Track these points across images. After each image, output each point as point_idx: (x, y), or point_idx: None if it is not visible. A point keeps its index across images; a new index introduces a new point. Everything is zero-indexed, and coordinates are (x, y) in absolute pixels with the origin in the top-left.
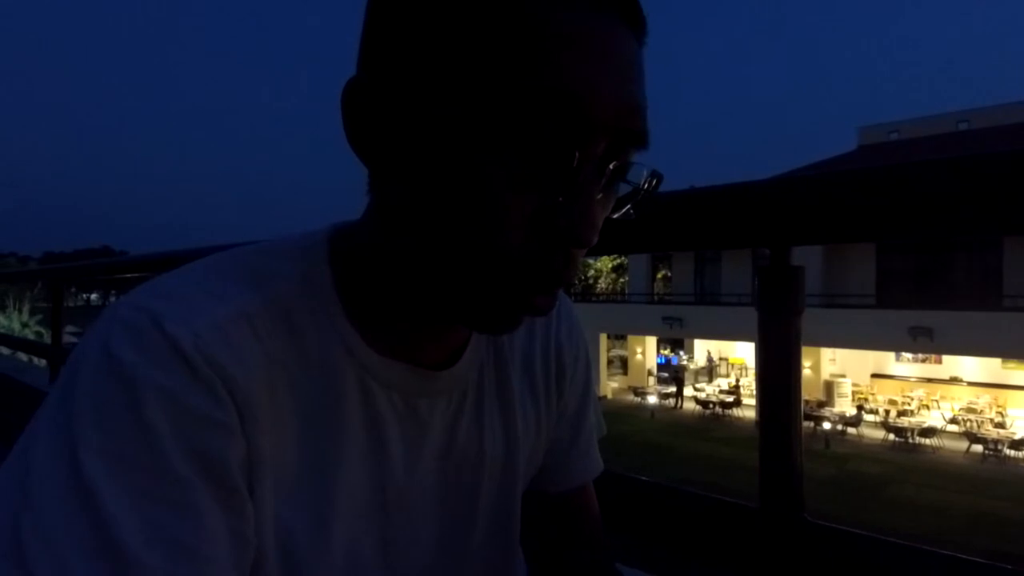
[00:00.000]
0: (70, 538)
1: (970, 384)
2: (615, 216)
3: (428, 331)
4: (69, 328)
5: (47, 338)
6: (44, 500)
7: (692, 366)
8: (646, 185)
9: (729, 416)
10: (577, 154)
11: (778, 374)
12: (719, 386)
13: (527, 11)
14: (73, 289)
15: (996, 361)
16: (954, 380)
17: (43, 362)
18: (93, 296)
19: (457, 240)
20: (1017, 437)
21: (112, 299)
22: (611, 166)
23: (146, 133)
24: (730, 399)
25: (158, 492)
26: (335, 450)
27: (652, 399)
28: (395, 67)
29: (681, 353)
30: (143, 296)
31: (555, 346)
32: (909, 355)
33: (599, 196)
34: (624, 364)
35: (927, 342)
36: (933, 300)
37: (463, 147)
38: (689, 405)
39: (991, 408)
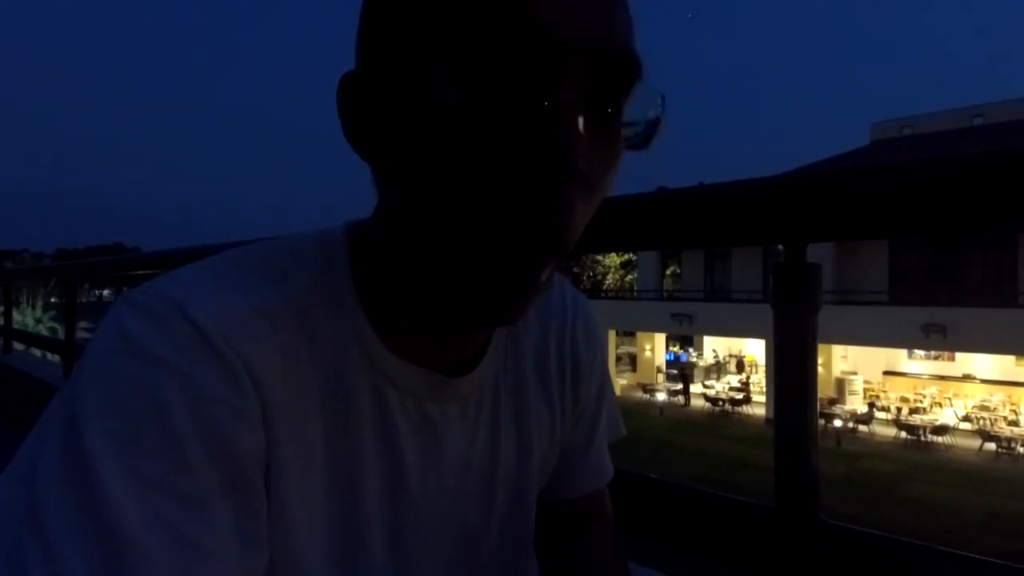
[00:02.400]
0: (62, 516)
1: (983, 381)
2: (627, 148)
3: (444, 335)
4: (82, 324)
5: (60, 334)
6: (44, 479)
7: (701, 363)
8: (654, 115)
9: (739, 413)
10: (554, 86)
11: (794, 374)
12: (728, 383)
13: None
14: (86, 285)
15: (1010, 358)
16: (967, 377)
17: (57, 358)
18: (105, 292)
19: (444, 214)
20: None
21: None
22: (609, 110)
23: (159, 131)
24: (739, 396)
25: (167, 478)
26: (349, 456)
27: (661, 396)
28: (388, 57)
29: (690, 350)
30: (160, 285)
31: (571, 349)
32: (921, 352)
33: (592, 128)
34: (633, 361)
35: (940, 339)
36: (947, 297)
37: (454, 123)
38: (699, 402)
39: (1004, 406)
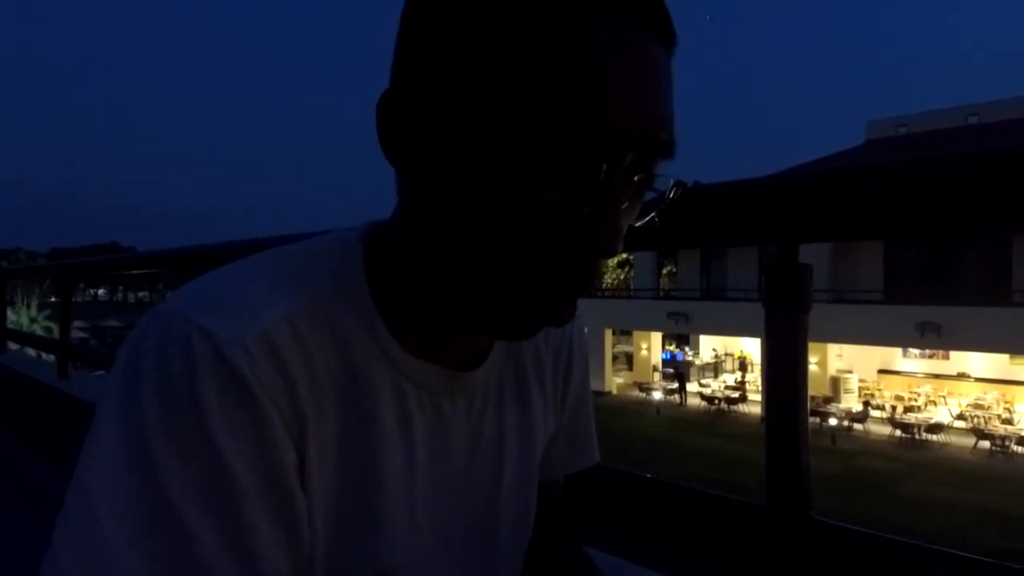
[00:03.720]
0: (135, 542)
1: (978, 380)
2: (638, 224)
3: (455, 335)
4: (78, 323)
5: (55, 333)
6: (121, 522)
7: (698, 362)
8: (672, 194)
9: (735, 412)
10: (605, 166)
11: (785, 373)
12: (724, 382)
13: (559, 23)
14: (81, 285)
15: (1004, 357)
16: (962, 376)
17: (52, 357)
18: (100, 291)
19: (485, 245)
20: None
21: (120, 295)
22: (636, 178)
23: (155, 129)
24: (735, 395)
25: (230, 509)
26: (374, 454)
27: (657, 395)
28: (428, 79)
29: (687, 349)
30: (190, 305)
31: (567, 347)
32: (916, 351)
33: (624, 205)
34: (629, 360)
35: (935, 338)
36: (941, 295)
37: (495, 157)
38: (695, 401)
39: (999, 404)
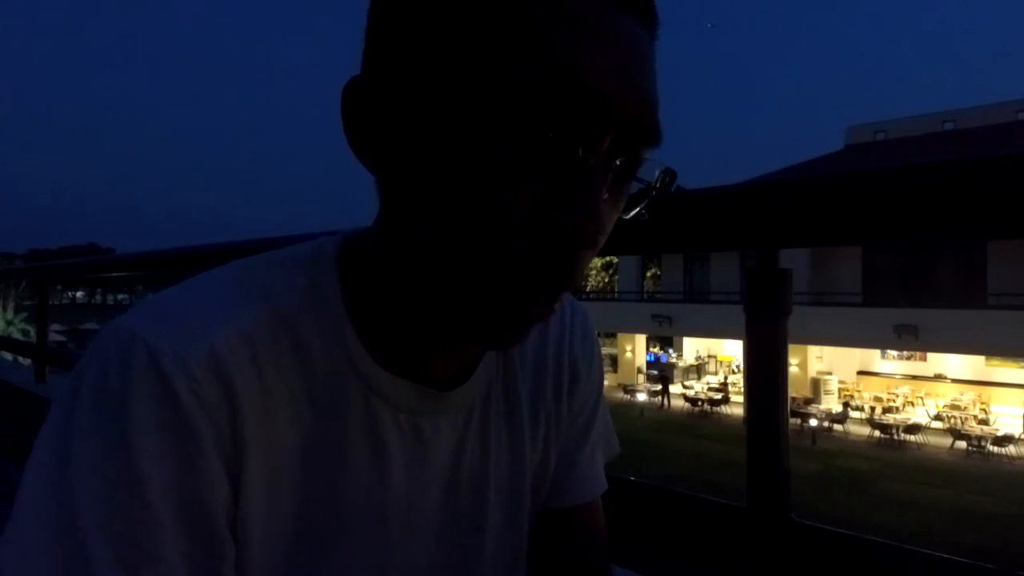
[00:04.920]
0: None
1: (954, 381)
2: (627, 216)
3: (438, 347)
4: (55, 326)
5: (33, 335)
6: (26, 529)
7: (681, 364)
8: (659, 183)
9: (717, 413)
10: (580, 147)
11: (765, 376)
12: (708, 383)
13: None
14: (59, 287)
15: (980, 358)
16: (939, 377)
17: (28, 361)
18: (79, 294)
19: (456, 238)
20: (1000, 433)
21: (99, 297)
22: (617, 162)
23: (133, 129)
24: (718, 396)
25: (138, 537)
26: (336, 473)
27: (641, 396)
28: (395, 64)
29: (670, 351)
30: (141, 319)
31: (568, 358)
32: (895, 353)
33: (606, 195)
34: (614, 362)
35: (912, 340)
36: (918, 298)
37: (463, 144)
38: (679, 402)
39: (975, 405)
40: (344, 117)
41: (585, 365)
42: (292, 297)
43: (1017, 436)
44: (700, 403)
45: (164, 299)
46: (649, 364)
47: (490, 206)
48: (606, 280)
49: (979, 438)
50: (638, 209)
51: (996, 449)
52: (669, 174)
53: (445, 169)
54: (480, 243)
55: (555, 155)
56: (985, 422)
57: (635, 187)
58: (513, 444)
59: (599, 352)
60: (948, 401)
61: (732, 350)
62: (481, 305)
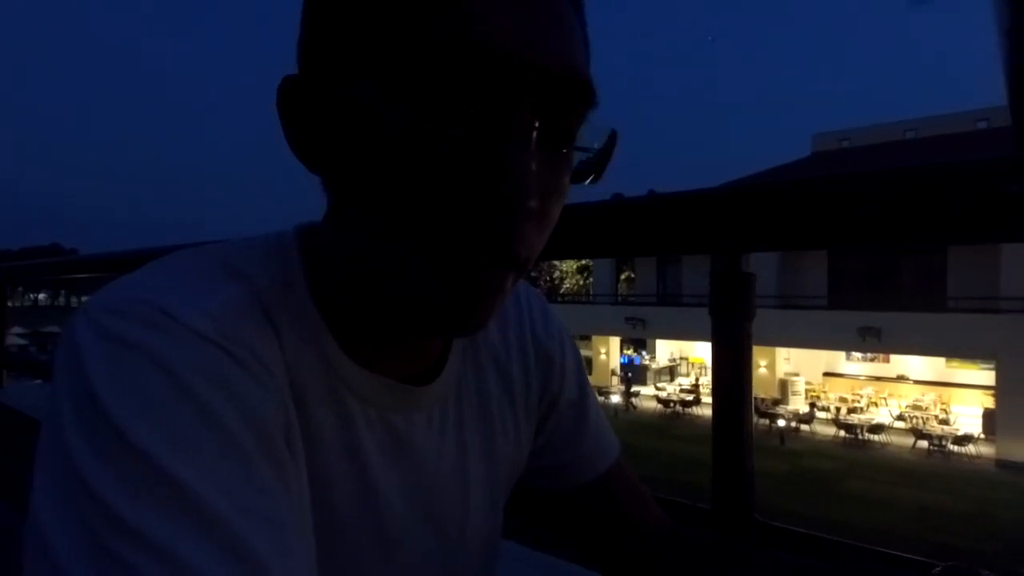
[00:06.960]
0: (171, 524)
1: (916, 382)
2: (586, 183)
3: (403, 342)
4: (16, 330)
5: None
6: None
7: (655, 366)
8: (601, 145)
9: (689, 414)
10: (501, 110)
11: (730, 378)
12: (680, 385)
13: None
14: (20, 288)
15: (941, 360)
16: (901, 378)
17: None
18: (41, 296)
19: (390, 224)
20: (960, 433)
21: (62, 299)
22: (537, 123)
23: (98, 128)
24: (690, 397)
25: (236, 470)
26: (309, 463)
27: (615, 398)
28: (322, 57)
29: (644, 353)
30: (130, 292)
31: (533, 346)
32: (859, 354)
33: (538, 159)
34: (589, 364)
35: (875, 342)
36: (881, 301)
37: (386, 122)
38: (651, 404)
39: (936, 405)
40: (284, 118)
41: (556, 346)
42: (263, 283)
43: (976, 436)
44: (672, 404)
45: (134, 282)
46: (623, 366)
47: (415, 178)
48: (581, 283)
49: (940, 438)
50: (591, 177)
51: (956, 448)
52: (614, 136)
53: (373, 152)
54: (412, 219)
55: (475, 121)
56: (946, 422)
57: (583, 156)
58: (485, 436)
59: (567, 333)
60: (910, 402)
61: (703, 352)
62: (429, 285)
